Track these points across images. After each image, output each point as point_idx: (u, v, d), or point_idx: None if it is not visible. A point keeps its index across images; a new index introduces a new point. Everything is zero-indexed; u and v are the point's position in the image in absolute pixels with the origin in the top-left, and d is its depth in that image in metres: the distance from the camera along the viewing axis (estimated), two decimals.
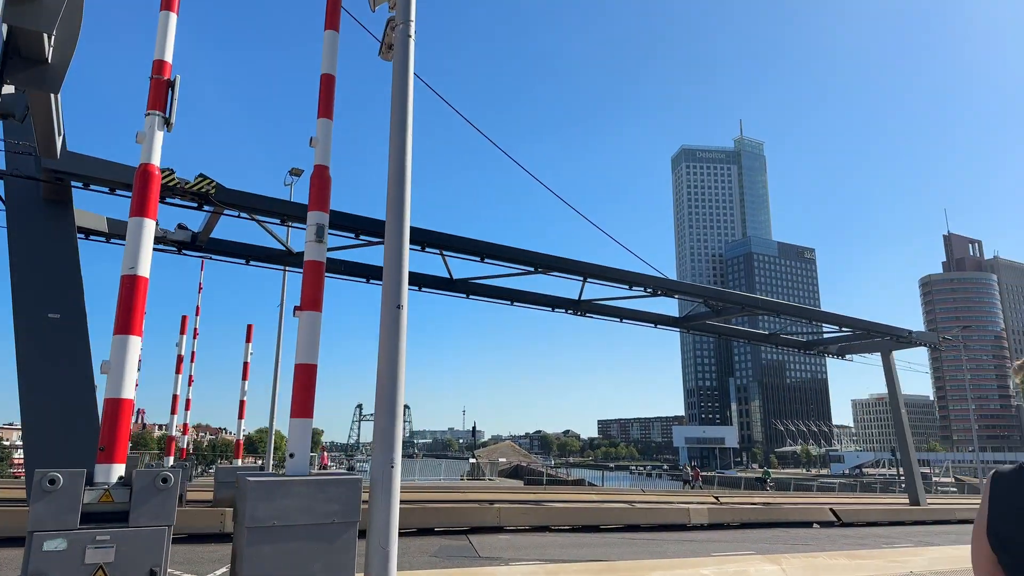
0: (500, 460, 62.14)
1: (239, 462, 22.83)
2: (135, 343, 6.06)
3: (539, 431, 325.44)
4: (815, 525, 23.53)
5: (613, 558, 13.69)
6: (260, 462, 29.75)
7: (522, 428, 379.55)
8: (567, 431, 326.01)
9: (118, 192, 16.20)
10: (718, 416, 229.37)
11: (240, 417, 22.67)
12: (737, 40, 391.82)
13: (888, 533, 22.22)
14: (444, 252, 21.38)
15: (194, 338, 28.91)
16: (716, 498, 31.62)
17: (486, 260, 21.18)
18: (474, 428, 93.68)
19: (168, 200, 16.80)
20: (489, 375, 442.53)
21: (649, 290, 24.32)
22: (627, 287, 23.98)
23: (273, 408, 32.64)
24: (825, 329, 32.01)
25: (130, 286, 6.09)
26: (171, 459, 19.78)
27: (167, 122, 6.46)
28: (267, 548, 5.96)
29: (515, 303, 25.54)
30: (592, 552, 14.82)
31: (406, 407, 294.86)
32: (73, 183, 16.18)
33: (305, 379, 6.87)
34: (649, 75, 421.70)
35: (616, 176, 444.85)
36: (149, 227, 6.33)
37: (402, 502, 20.40)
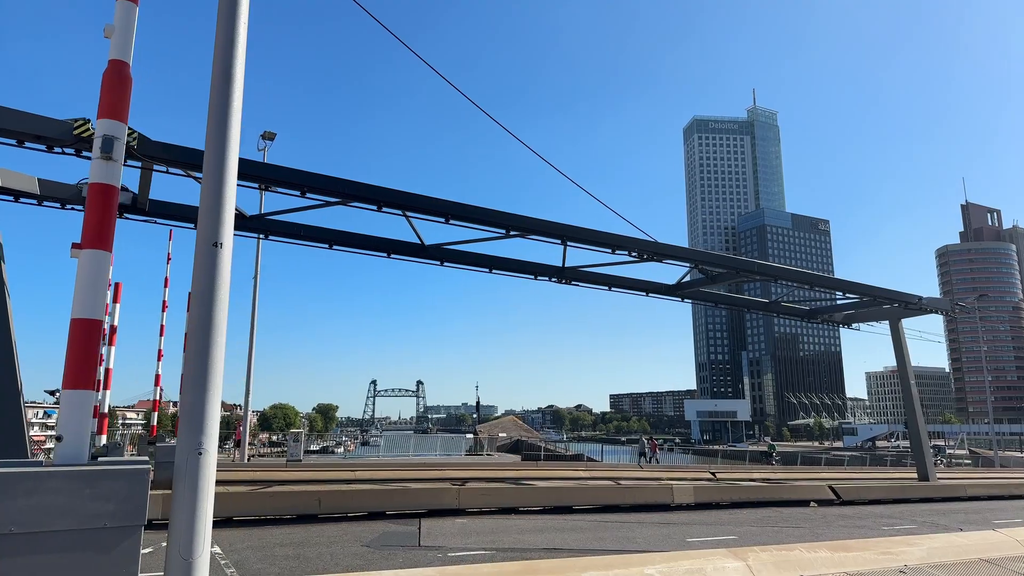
0: (500, 435, 61.04)
1: None
2: None
3: (551, 405, 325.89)
4: (812, 504, 21.94)
5: (563, 546, 12.16)
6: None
7: (535, 403, 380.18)
8: (579, 405, 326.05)
9: (27, 145, 14.63)
10: (730, 389, 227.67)
11: (182, 391, 21.27)
12: (750, 8, 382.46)
13: (891, 512, 20.61)
14: (408, 213, 19.72)
15: (163, 311, 27.80)
16: (713, 474, 30.05)
17: (451, 221, 19.45)
18: (478, 403, 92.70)
19: (85, 154, 15.21)
20: (503, 351, 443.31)
21: (635, 254, 22.55)
22: (610, 251, 22.23)
23: (248, 384, 31.45)
24: (836, 297, 30.12)
25: None
26: (103, 438, 18.54)
27: None
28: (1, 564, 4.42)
29: (494, 270, 23.88)
30: (549, 538, 13.30)
31: (419, 383, 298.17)
32: None
33: (84, 339, 5.27)
34: (660, 45, 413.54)
35: (627, 149, 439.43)
36: None
37: (363, 481, 18.45)
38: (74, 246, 5.46)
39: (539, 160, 17.59)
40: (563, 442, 76.69)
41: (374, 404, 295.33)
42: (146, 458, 5.40)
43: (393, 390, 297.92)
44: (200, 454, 5.23)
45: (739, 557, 9.03)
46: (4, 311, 15.48)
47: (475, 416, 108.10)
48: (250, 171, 16.43)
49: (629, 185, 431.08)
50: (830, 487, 22.98)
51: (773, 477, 30.34)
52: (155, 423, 28.53)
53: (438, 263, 22.91)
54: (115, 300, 19.32)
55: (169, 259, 27.74)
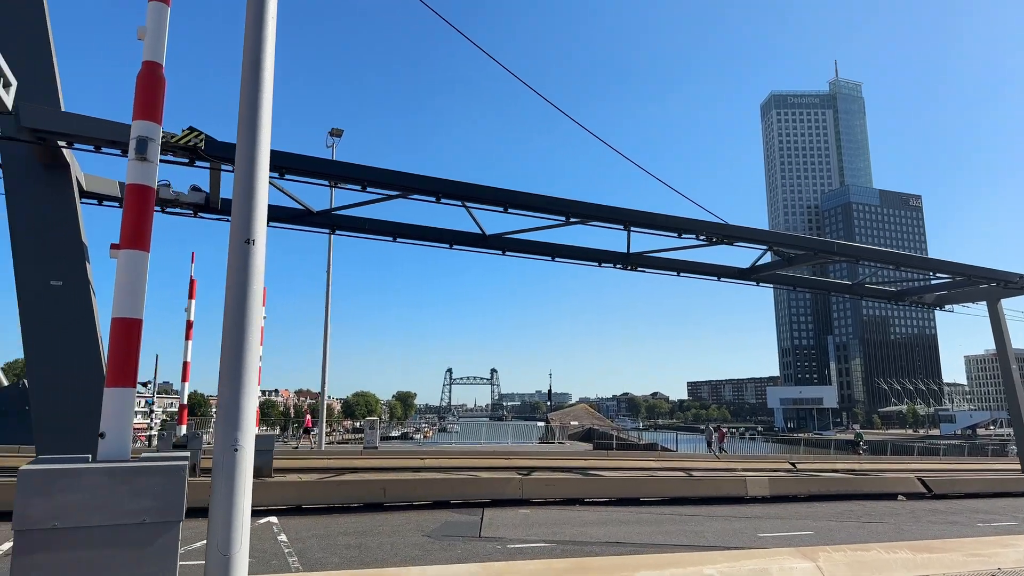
0: (572, 423, 60.89)
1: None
2: None
3: (626, 393, 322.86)
4: (900, 497, 20.69)
5: (626, 540, 11.84)
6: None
7: (609, 390, 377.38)
8: (655, 393, 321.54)
9: (104, 150, 15.39)
10: (815, 376, 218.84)
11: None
12: None
13: (989, 508, 19.17)
14: (467, 204, 19.70)
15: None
16: (793, 464, 28.89)
17: (510, 210, 19.28)
18: (550, 391, 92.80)
19: (161, 158, 15.87)
20: (577, 338, 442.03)
21: (703, 238, 21.78)
22: (676, 235, 21.53)
23: (324, 372, 32.39)
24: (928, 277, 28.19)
25: None
26: (183, 428, 19.48)
27: None
28: (43, 558, 4.56)
29: (556, 258, 23.65)
30: (611, 531, 13.02)
31: (493, 371, 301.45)
32: (60, 143, 15.50)
33: (125, 338, 5.38)
34: (734, 18, 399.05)
35: (701, 128, 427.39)
36: None
37: (431, 469, 18.64)
38: (113, 247, 5.58)
39: (597, 140, 17.15)
40: (637, 430, 75.74)
41: (450, 392, 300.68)
42: (186, 453, 5.49)
43: (468, 378, 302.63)
44: (236, 450, 5.27)
45: (809, 557, 8.51)
46: (90, 309, 16.38)
47: (548, 404, 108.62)
48: (310, 167, 16.76)
49: (701, 166, 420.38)
50: (919, 479, 21.62)
51: (858, 468, 28.90)
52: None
53: (500, 252, 22.82)
54: (191, 296, 20.24)
55: None
